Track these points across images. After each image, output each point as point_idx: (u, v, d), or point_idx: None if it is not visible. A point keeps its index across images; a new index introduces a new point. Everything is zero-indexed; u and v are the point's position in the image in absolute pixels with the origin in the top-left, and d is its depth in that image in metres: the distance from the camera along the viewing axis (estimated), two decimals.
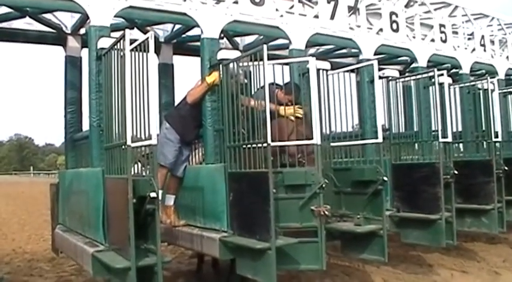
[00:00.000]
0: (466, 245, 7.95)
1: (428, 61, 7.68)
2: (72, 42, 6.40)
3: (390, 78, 6.58)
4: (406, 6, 7.55)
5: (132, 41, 4.06)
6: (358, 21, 6.86)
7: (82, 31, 6.34)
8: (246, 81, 5.02)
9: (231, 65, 5.09)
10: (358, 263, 6.95)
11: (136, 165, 4.41)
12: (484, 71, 8.95)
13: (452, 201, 6.10)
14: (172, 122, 5.53)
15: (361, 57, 6.90)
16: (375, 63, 5.75)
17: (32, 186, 38.31)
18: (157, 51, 7.07)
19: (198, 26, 5.51)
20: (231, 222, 4.87)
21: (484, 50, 8.78)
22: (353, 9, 6.81)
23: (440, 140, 6.14)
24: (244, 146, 4.83)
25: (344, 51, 8.34)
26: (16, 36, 6.48)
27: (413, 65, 7.91)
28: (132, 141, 3.97)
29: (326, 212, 4.79)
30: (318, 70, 5.55)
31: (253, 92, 5.02)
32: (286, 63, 5.76)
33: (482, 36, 8.77)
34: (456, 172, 6.12)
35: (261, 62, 4.58)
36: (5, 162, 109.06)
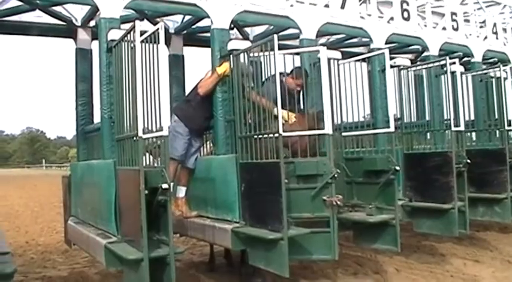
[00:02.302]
0: (478, 235, 7.92)
1: (440, 50, 7.61)
2: (82, 34, 6.39)
3: (402, 67, 6.54)
4: None
5: (142, 33, 4.04)
6: (369, 10, 6.79)
7: (92, 23, 6.33)
8: (251, 69, 5.01)
9: (241, 55, 5.07)
10: (371, 253, 6.95)
11: (146, 156, 4.41)
12: (496, 59, 8.84)
13: (465, 190, 6.08)
14: (180, 115, 5.53)
15: (372, 46, 6.84)
16: (386, 52, 5.71)
17: (44, 179, 38.64)
18: (167, 42, 7.07)
19: (208, 16, 5.49)
20: (242, 213, 4.89)
21: (496, 38, 8.68)
22: None
23: (453, 129, 6.09)
24: (255, 137, 4.82)
25: (355, 40, 8.28)
26: (26, 29, 6.48)
27: (425, 53, 7.85)
28: (144, 133, 3.97)
29: (338, 202, 4.78)
30: (329, 60, 5.50)
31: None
32: (297, 53, 5.73)
33: (495, 24, 8.67)
34: (469, 161, 6.08)
35: (271, 52, 4.57)
36: (17, 156, 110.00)
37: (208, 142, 6.17)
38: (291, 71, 5.50)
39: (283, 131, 4.53)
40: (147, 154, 4.42)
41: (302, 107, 5.63)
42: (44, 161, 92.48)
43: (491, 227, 8.33)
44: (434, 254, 7.04)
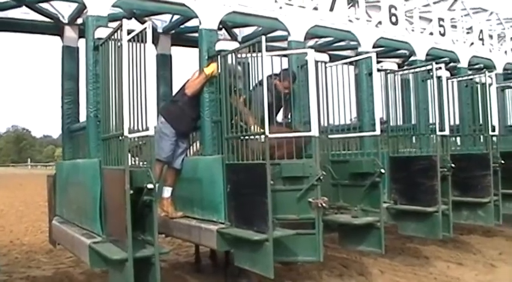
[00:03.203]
0: (462, 238, 7.98)
1: (427, 54, 7.67)
2: (69, 32, 6.36)
3: (388, 71, 6.59)
4: None
5: (129, 31, 4.03)
6: (357, 13, 6.84)
7: (79, 21, 6.29)
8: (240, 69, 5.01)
9: (229, 56, 5.07)
10: (356, 255, 6.98)
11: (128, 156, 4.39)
12: (482, 65, 8.93)
13: (449, 194, 6.16)
14: (167, 116, 5.51)
15: (359, 49, 6.88)
16: (374, 56, 5.75)
17: (29, 178, 38.28)
18: (155, 41, 7.05)
19: (196, 16, 5.48)
20: (228, 214, 4.88)
21: (483, 44, 8.79)
22: (352, 2, 6.79)
23: (438, 133, 6.14)
24: (242, 138, 4.83)
25: (343, 43, 8.30)
26: (12, 25, 6.42)
27: (412, 58, 7.90)
28: (129, 132, 3.96)
29: (323, 204, 4.80)
30: (317, 62, 5.54)
31: (251, 83, 5.02)
32: (285, 55, 5.75)
33: (481, 31, 8.77)
34: (453, 165, 6.15)
35: (259, 54, 4.58)
36: (2, 154, 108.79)
37: (197, 142, 6.15)
38: (279, 74, 5.51)
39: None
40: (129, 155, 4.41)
41: (289, 111, 5.67)
42: (29, 160, 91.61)
43: (475, 231, 8.39)
44: (419, 256, 7.09)
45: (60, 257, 7.89)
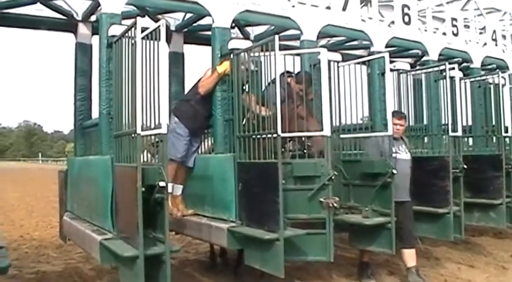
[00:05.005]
0: (473, 239, 7.95)
1: (440, 54, 7.62)
2: (82, 29, 6.37)
3: (401, 71, 6.57)
4: None
5: (143, 29, 4.04)
6: (370, 13, 6.80)
7: (93, 18, 6.30)
8: (254, 68, 5.00)
9: (242, 54, 5.07)
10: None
11: (144, 154, 4.40)
12: (495, 65, 8.86)
13: (461, 195, 6.13)
14: (180, 116, 5.52)
15: (372, 49, 6.85)
16: (386, 55, 5.71)
17: (40, 173, 38.59)
18: (168, 39, 7.05)
19: (209, 15, 5.49)
20: (239, 213, 4.89)
21: (496, 45, 8.71)
22: (365, 1, 6.75)
23: (450, 134, 6.10)
24: (254, 136, 4.82)
25: (355, 43, 8.27)
26: (27, 22, 6.45)
27: (425, 58, 7.85)
28: (142, 130, 3.96)
29: (335, 204, 4.80)
30: (329, 61, 5.52)
31: (263, 82, 5.01)
32: (298, 54, 5.73)
33: (494, 31, 8.69)
34: (465, 166, 6.10)
35: (272, 53, 4.57)
36: (13, 149, 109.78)
37: (209, 139, 6.15)
38: (297, 74, 5.49)
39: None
40: (145, 153, 4.42)
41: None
42: (40, 154, 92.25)
43: (486, 232, 8.36)
44: (429, 257, 7.05)
45: (70, 252, 7.95)
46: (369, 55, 6.70)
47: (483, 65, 8.51)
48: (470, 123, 7.42)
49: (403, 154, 5.78)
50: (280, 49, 4.57)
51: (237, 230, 4.80)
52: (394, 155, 5.54)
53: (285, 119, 4.69)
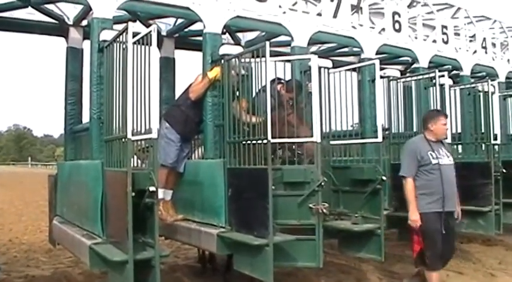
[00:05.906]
0: (462, 246, 7.96)
1: (430, 62, 7.67)
2: (74, 33, 6.37)
3: (391, 78, 6.59)
4: (409, 6, 7.56)
5: (134, 34, 4.05)
6: (361, 20, 6.84)
7: (84, 23, 6.31)
8: (244, 72, 5.01)
9: (232, 60, 5.09)
10: (355, 262, 6.98)
11: (133, 159, 4.40)
12: (484, 73, 8.96)
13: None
14: (171, 122, 5.51)
15: (362, 56, 6.89)
16: (377, 62, 5.74)
17: (29, 176, 38.33)
18: (159, 45, 7.05)
19: (200, 20, 5.50)
20: (229, 218, 4.88)
21: (485, 53, 8.78)
22: (356, 8, 6.80)
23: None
24: (244, 142, 4.83)
25: (346, 49, 8.32)
26: (18, 26, 6.43)
27: (415, 65, 7.89)
28: (133, 135, 3.97)
29: (324, 210, 4.81)
30: (320, 68, 5.56)
31: (253, 88, 5.03)
32: (288, 60, 5.75)
33: (484, 39, 8.77)
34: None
35: (263, 59, 4.59)
36: (3, 153, 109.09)
37: (200, 147, 6.15)
38: (287, 82, 5.50)
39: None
40: (135, 158, 4.42)
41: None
42: (30, 158, 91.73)
43: (475, 239, 8.40)
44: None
45: (59, 256, 7.91)
46: (359, 62, 6.75)
47: (473, 72, 8.59)
48: (459, 130, 7.46)
49: (445, 158, 5.35)
50: (271, 55, 4.57)
51: (226, 235, 4.79)
52: (435, 160, 5.26)
53: (275, 126, 4.71)
